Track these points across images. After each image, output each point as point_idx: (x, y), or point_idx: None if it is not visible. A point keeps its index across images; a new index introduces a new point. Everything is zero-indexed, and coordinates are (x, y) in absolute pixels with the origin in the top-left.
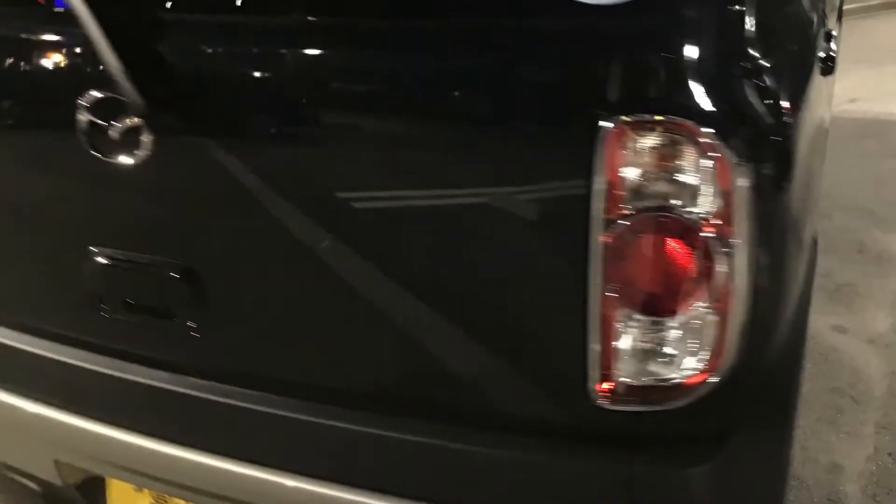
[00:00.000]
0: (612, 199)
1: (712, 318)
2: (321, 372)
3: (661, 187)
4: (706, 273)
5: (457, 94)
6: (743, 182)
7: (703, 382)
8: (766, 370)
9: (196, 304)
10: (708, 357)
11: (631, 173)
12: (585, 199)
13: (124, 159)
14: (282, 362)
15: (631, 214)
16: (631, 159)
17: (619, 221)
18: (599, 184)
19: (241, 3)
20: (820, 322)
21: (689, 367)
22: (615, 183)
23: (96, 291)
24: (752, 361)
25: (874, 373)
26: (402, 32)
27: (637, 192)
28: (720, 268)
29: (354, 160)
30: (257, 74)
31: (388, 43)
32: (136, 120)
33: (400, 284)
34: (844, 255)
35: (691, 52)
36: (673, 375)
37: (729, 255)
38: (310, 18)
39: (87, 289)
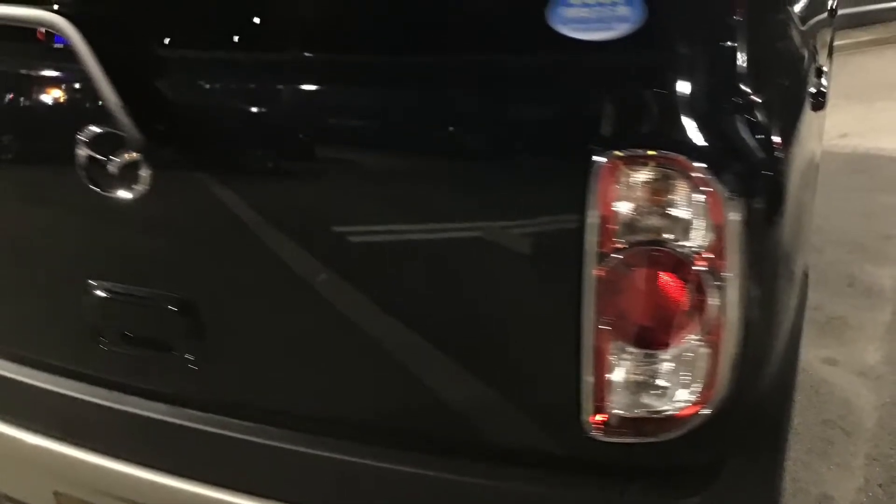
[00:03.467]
0: (605, 233)
1: (704, 350)
2: (318, 403)
3: (654, 221)
4: (698, 306)
5: (452, 129)
6: (735, 216)
7: (696, 414)
8: (757, 402)
9: (194, 337)
10: (700, 389)
11: (624, 207)
12: (579, 232)
13: (123, 193)
14: (279, 394)
15: (624, 248)
16: (624, 193)
17: (612, 255)
18: (593, 218)
19: (238, 39)
20: (811, 354)
21: (681, 399)
22: (608, 217)
23: (95, 324)
24: (744, 393)
25: (864, 405)
26: (398, 69)
27: (630, 225)
28: (712, 301)
29: (350, 195)
30: (254, 110)
31: (384, 79)
32: (134, 154)
33: (395, 317)
34: (835, 289)
35: (684, 87)
36: (665, 407)
37: (721, 289)
38: (306, 54)
39: (85, 321)
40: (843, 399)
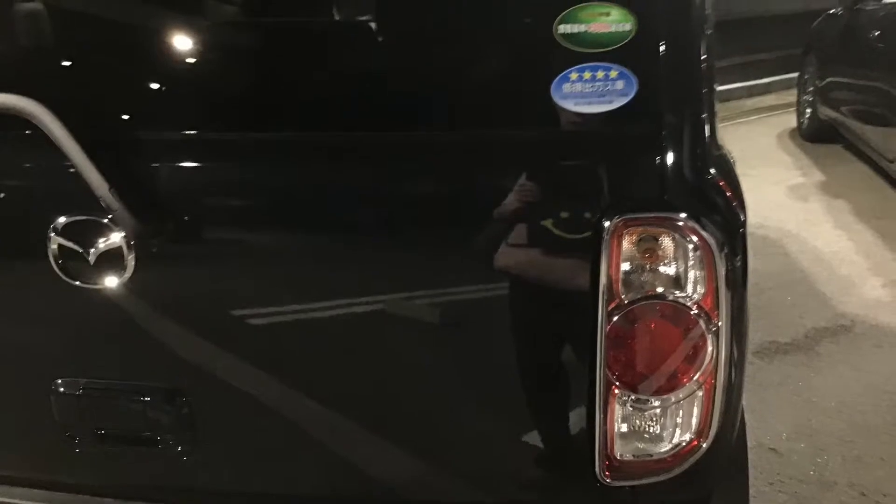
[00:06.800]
0: (612, 292)
1: (701, 392)
2: (324, 483)
3: (656, 277)
4: (697, 353)
5: (460, 200)
6: (722, 268)
7: (695, 452)
8: (735, 436)
9: (184, 428)
10: (699, 428)
11: (629, 266)
12: (588, 293)
13: (105, 283)
14: (275, 477)
15: (631, 304)
16: (629, 254)
17: (620, 311)
18: (600, 278)
19: (224, 121)
20: None
21: (684, 439)
22: (615, 276)
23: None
24: (728, 429)
25: None
26: (411, 146)
27: (635, 283)
28: (709, 347)
29: (359, 270)
30: (244, 192)
31: (396, 155)
32: (116, 242)
33: (413, 385)
34: None
35: (677, 155)
36: (669, 448)
37: (716, 335)
38: (300, 133)
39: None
40: None
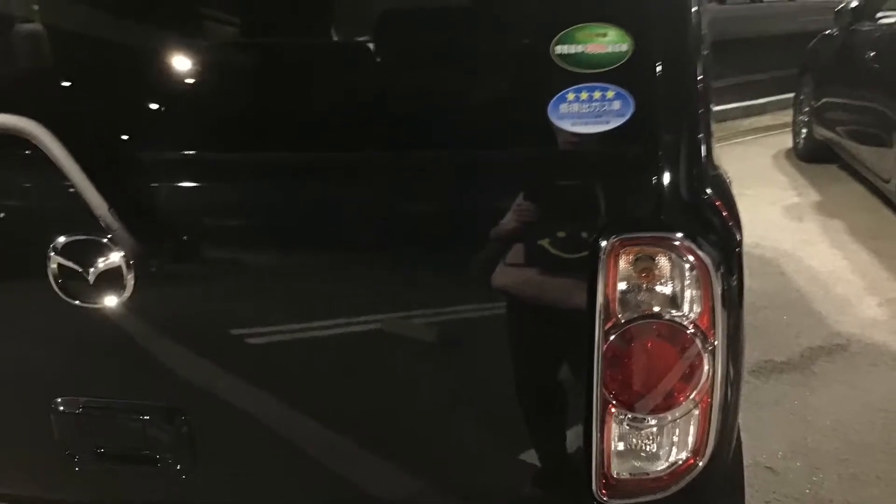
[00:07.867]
0: (609, 311)
1: (697, 411)
2: (324, 500)
3: (653, 297)
4: (693, 371)
5: (455, 219)
6: (719, 288)
7: (691, 470)
8: (732, 451)
9: (184, 446)
10: (695, 446)
11: (626, 286)
12: (585, 312)
13: (104, 302)
14: (276, 495)
15: (627, 323)
16: (626, 273)
17: (617, 331)
18: (597, 297)
19: (223, 140)
20: None
21: (680, 457)
22: (612, 296)
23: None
24: (726, 446)
25: None
26: (409, 166)
27: (631, 302)
28: (705, 366)
29: (364, 288)
30: (243, 212)
31: (395, 176)
32: (116, 261)
33: (411, 403)
34: None
35: (673, 175)
36: (665, 466)
37: (712, 354)
38: (298, 154)
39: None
40: None
